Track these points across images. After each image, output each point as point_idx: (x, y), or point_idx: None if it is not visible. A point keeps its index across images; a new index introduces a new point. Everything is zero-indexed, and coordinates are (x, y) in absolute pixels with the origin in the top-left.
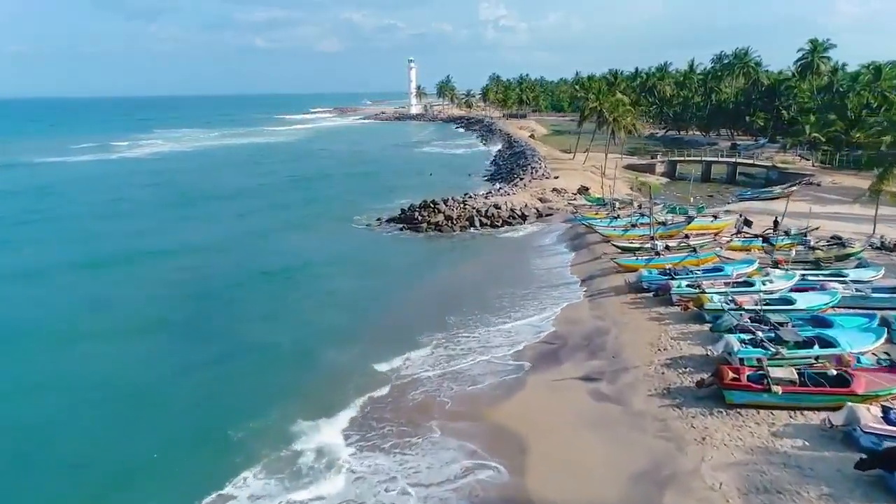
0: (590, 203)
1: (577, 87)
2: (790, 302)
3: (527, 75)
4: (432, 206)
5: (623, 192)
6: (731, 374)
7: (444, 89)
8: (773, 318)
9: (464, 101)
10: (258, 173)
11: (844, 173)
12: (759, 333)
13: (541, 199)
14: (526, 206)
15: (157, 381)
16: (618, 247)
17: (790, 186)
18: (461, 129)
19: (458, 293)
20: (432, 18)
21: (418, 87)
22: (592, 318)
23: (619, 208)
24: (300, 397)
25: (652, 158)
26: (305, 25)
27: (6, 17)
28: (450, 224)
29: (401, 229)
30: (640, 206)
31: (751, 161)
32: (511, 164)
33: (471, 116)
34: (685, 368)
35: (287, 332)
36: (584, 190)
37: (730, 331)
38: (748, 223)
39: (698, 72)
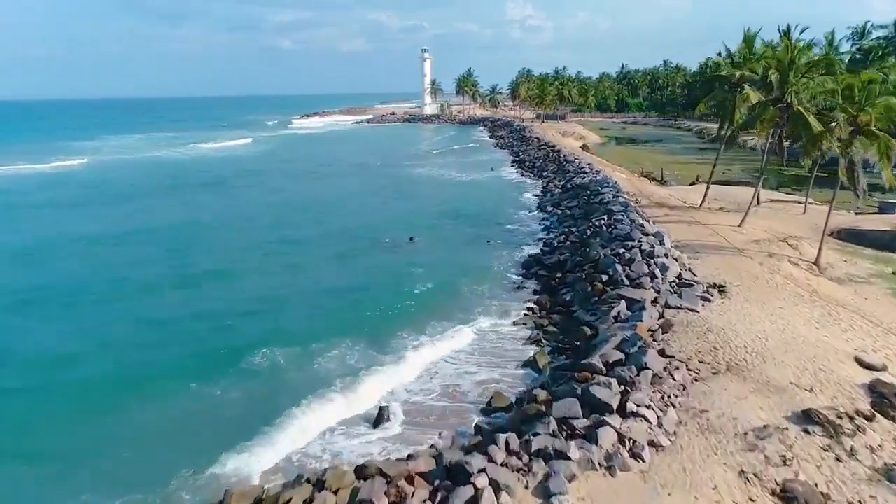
0: None
1: (726, 60)
2: None
3: (563, 69)
4: None
5: None
6: None
7: (465, 85)
8: None
9: (488, 99)
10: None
11: None
12: None
13: None
14: None
15: None
16: None
17: None
18: (484, 136)
19: None
20: (457, 18)
21: (433, 83)
22: None
23: None
24: None
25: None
26: (330, 27)
27: (33, 22)
28: None
29: None
30: None
31: None
32: (576, 232)
33: (496, 118)
34: None
35: None
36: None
37: None
38: None
39: (841, 50)
